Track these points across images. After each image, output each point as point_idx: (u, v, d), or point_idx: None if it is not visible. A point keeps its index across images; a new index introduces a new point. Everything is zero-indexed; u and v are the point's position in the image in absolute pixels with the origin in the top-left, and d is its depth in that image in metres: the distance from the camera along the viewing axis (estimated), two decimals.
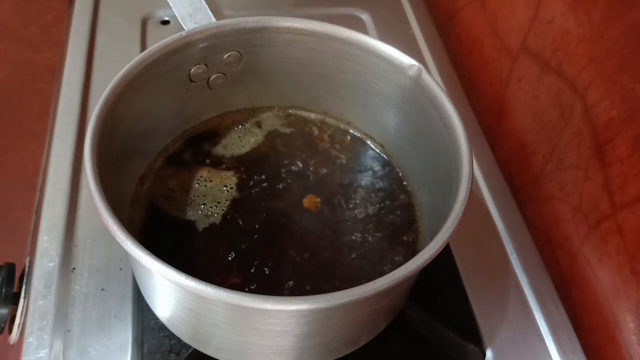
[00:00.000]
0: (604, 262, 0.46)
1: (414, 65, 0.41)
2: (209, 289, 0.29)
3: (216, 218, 0.44)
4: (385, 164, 0.49)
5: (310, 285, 0.41)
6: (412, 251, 0.44)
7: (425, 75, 0.41)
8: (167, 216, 0.43)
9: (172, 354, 0.41)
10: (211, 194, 0.45)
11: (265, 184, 0.46)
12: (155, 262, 0.30)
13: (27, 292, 0.44)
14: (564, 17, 0.50)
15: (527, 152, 0.57)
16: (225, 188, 0.45)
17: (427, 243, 0.33)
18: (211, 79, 0.45)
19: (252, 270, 0.41)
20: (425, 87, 0.41)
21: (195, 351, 0.40)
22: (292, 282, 0.40)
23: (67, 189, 0.50)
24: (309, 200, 0.43)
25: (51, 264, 0.45)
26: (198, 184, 0.45)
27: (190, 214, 0.44)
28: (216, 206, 0.44)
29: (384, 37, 0.56)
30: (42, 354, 0.41)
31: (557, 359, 0.45)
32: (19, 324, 0.43)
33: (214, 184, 0.45)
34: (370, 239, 0.44)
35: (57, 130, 0.54)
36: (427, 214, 0.45)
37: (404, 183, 0.47)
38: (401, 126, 0.46)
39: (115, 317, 0.44)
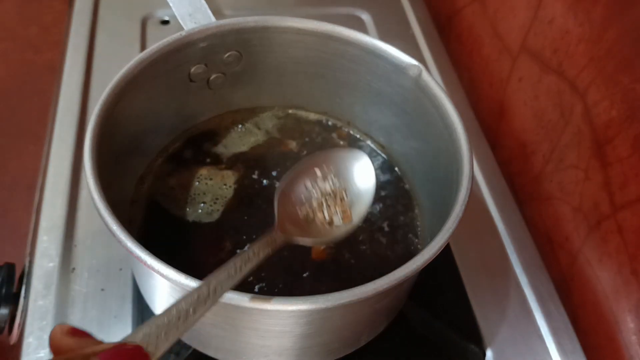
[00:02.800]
0: (604, 262, 0.46)
1: (414, 65, 0.41)
2: None
3: (216, 216, 0.44)
4: (385, 164, 0.49)
5: (309, 283, 0.41)
6: (412, 251, 0.44)
7: (425, 75, 0.41)
8: (167, 215, 0.43)
9: (172, 354, 0.41)
10: (211, 192, 0.45)
11: (264, 183, 0.46)
12: (155, 262, 0.30)
13: (27, 292, 0.44)
14: (564, 17, 0.50)
15: (527, 152, 0.57)
16: (225, 186, 0.45)
17: (427, 243, 0.33)
18: (211, 78, 0.45)
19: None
20: (426, 87, 0.41)
21: (195, 351, 0.40)
22: (290, 279, 0.41)
23: (67, 189, 0.50)
24: (317, 248, 0.43)
25: (51, 264, 0.45)
26: (198, 182, 0.45)
27: (190, 212, 0.44)
28: (215, 203, 0.44)
29: (384, 37, 0.56)
30: (42, 354, 0.41)
31: (557, 359, 0.45)
32: (19, 324, 0.43)
33: (214, 182, 0.45)
34: (369, 238, 0.44)
35: (57, 130, 0.54)
36: (427, 214, 0.45)
37: (404, 183, 0.47)
38: (401, 126, 0.46)
39: (115, 317, 0.43)
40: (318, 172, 0.40)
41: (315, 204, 0.38)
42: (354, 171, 0.40)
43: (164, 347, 0.24)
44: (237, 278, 0.29)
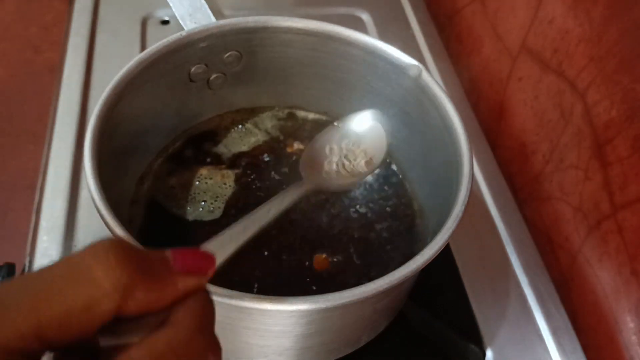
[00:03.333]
0: (604, 262, 0.46)
1: (414, 65, 0.41)
2: (208, 288, 0.29)
3: (218, 213, 0.44)
4: (385, 163, 0.49)
5: (312, 282, 0.41)
6: (412, 251, 0.44)
7: (425, 75, 0.41)
8: (167, 214, 0.43)
9: None
10: (212, 191, 0.45)
11: (265, 182, 0.46)
12: None
13: None
14: (564, 17, 0.50)
15: (527, 152, 0.57)
16: (225, 185, 0.45)
17: (427, 243, 0.33)
18: (211, 79, 0.45)
19: (252, 268, 0.41)
20: (426, 87, 0.41)
21: None
22: (291, 279, 0.41)
23: (67, 189, 0.50)
24: (319, 258, 0.43)
25: None
26: (198, 181, 0.45)
27: (191, 211, 0.44)
28: (216, 201, 0.44)
29: (384, 37, 0.56)
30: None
31: (557, 359, 0.45)
32: None
33: (214, 182, 0.45)
34: (369, 239, 0.44)
35: (57, 130, 0.54)
36: (427, 214, 0.45)
37: (404, 183, 0.47)
38: (401, 126, 0.46)
39: None
40: (336, 138, 0.44)
41: (337, 161, 0.44)
42: (365, 130, 0.45)
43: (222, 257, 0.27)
44: (276, 210, 0.34)
